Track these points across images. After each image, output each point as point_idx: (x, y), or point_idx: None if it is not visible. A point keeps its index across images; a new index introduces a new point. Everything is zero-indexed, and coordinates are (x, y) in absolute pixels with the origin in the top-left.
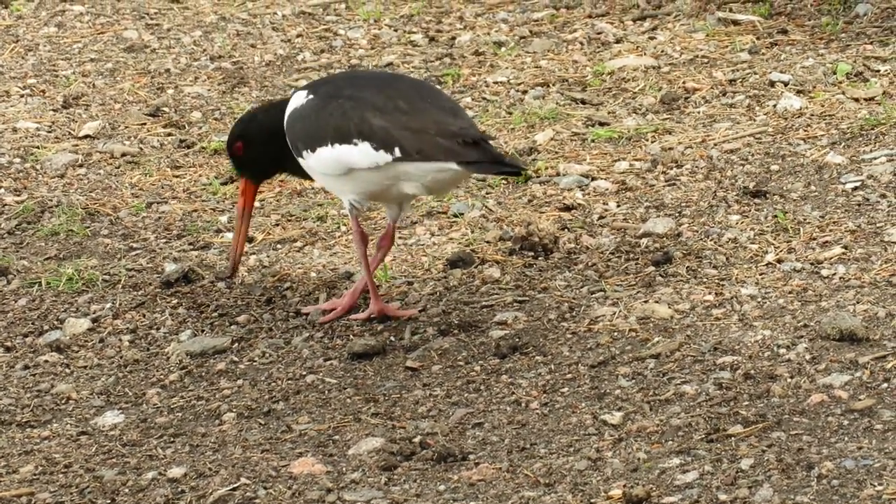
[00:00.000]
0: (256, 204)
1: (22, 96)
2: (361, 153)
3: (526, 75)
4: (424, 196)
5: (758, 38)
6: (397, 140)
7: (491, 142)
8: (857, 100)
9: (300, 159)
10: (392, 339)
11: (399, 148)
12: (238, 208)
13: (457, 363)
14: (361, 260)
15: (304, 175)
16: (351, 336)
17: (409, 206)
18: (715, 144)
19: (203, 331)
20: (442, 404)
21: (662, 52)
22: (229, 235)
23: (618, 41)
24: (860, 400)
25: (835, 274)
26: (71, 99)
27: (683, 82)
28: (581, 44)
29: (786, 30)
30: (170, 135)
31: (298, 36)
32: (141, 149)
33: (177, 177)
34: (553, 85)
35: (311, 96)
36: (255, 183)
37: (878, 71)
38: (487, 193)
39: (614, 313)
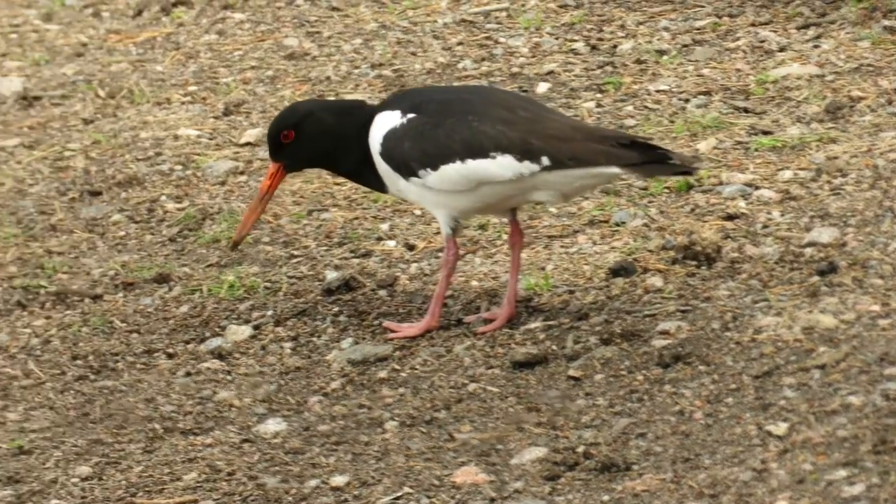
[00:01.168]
0: (416, 212)
1: (183, 104)
2: (501, 166)
3: (688, 84)
4: (547, 204)
5: None
6: (544, 149)
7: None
8: None
9: (410, 178)
10: (554, 347)
11: (548, 157)
12: (261, 189)
13: (619, 372)
14: (445, 282)
15: (361, 180)
16: (513, 345)
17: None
18: (881, 154)
19: (364, 339)
20: (605, 414)
21: (827, 60)
22: (391, 244)
23: (781, 49)
24: None
25: None
26: (232, 106)
27: (848, 91)
28: (744, 52)
29: None
30: None
31: (459, 44)
32: None
33: (337, 184)
34: (716, 93)
35: (410, 115)
36: (287, 171)
37: None
38: (650, 202)
39: (778, 323)
